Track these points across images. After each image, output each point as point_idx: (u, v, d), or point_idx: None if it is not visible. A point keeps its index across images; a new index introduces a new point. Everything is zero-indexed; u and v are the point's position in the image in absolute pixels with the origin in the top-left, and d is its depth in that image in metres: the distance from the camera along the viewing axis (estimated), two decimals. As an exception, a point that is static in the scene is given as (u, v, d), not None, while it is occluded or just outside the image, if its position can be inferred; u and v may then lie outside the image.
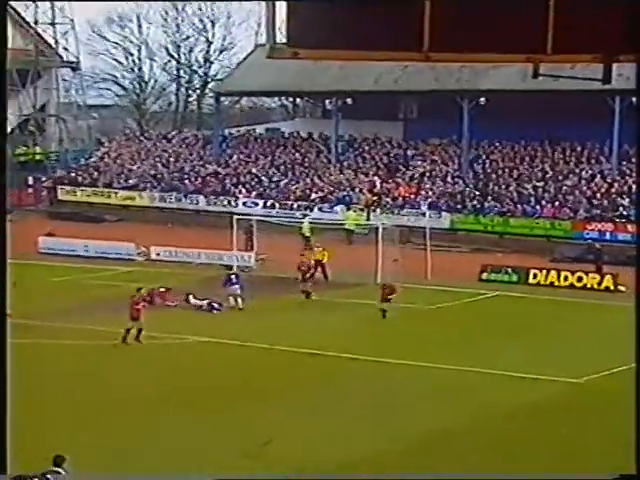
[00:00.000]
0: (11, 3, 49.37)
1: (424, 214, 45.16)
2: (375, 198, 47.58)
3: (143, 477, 15.00)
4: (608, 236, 41.55)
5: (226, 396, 21.60)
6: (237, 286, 31.26)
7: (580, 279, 35.51)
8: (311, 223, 43.27)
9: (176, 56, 72.77)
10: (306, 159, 53.62)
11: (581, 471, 17.03)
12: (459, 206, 45.94)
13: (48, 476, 13.82)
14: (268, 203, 49.42)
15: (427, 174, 49.24)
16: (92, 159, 58.56)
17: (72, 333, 26.67)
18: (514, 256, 40.37)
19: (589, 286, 35.16)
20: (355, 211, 46.91)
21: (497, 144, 49.82)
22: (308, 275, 32.35)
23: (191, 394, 21.68)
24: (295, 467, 17.05)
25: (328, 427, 19.66)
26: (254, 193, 50.89)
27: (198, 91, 74.84)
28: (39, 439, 17.55)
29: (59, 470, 14.27)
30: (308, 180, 51.17)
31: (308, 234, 42.74)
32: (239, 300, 30.67)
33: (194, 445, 18.31)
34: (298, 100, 64.52)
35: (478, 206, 45.50)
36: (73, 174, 55.79)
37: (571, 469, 17.27)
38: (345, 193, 49.02)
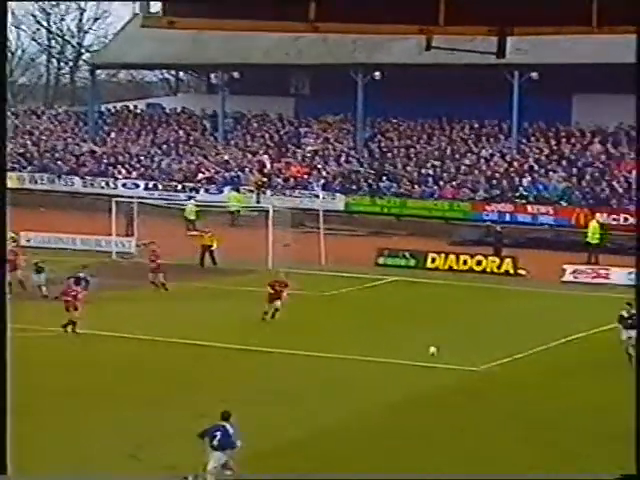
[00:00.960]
0: None
1: (317, 196, 45.41)
2: (265, 179, 47.59)
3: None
4: (508, 217, 42.62)
5: (107, 392, 21.34)
6: (43, 275, 31.17)
7: (479, 263, 36.33)
8: (197, 206, 43.02)
9: (46, 24, 71.14)
10: (190, 137, 53.23)
11: (478, 459, 17.46)
12: (354, 187, 46.37)
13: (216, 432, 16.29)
14: (150, 184, 48.91)
15: (320, 153, 49.50)
16: (-47, 137, 56.81)
17: None
18: (412, 239, 41.01)
19: (489, 270, 36.01)
20: (244, 193, 46.85)
21: (393, 121, 50.40)
22: (155, 266, 32.06)
23: (64, 390, 21.35)
24: (172, 465, 17.01)
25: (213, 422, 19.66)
26: (134, 174, 50.27)
27: (71, 63, 73.32)
28: None
29: (226, 425, 16.47)
30: (193, 160, 50.84)
31: (192, 217, 42.49)
32: (43, 289, 30.68)
33: (75, 444, 18.09)
34: (181, 74, 63.88)
35: (374, 187, 46.01)
36: None
37: (467, 457, 17.69)
38: (233, 173, 48.90)
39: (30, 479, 14.50)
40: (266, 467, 17.42)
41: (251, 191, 46.93)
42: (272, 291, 28.10)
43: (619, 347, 26.02)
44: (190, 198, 45.82)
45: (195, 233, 38.32)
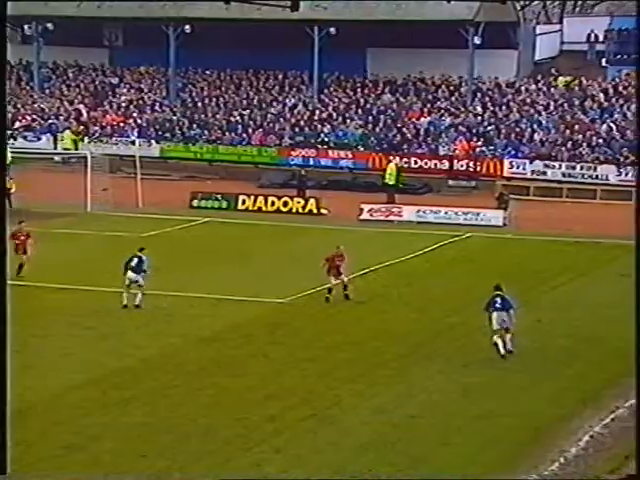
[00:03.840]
0: None
1: (133, 142, 44.80)
2: (82, 127, 46.61)
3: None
4: (311, 162, 43.48)
5: None
6: None
7: (286, 204, 37.06)
8: (13, 152, 41.42)
9: None
10: (6, 86, 51.14)
11: (273, 380, 18.12)
12: (168, 134, 46.03)
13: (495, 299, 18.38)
14: (-34, 133, 46.83)
15: (135, 102, 48.73)
16: None
17: None
18: (224, 183, 41.28)
19: (294, 210, 36.81)
20: (75, 134, 45.83)
21: (204, 72, 50.14)
22: None
23: None
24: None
25: (33, 360, 19.50)
26: (-50, 123, 47.91)
27: None
28: None
29: (501, 293, 18.46)
30: (10, 109, 48.97)
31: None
32: None
33: None
34: (-5, 24, 60.99)
35: (187, 134, 45.84)
36: None
37: (265, 380, 18.32)
38: (51, 121, 47.60)
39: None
40: (88, 397, 17.48)
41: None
42: (327, 266, 23.80)
43: (407, 277, 27.36)
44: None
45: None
